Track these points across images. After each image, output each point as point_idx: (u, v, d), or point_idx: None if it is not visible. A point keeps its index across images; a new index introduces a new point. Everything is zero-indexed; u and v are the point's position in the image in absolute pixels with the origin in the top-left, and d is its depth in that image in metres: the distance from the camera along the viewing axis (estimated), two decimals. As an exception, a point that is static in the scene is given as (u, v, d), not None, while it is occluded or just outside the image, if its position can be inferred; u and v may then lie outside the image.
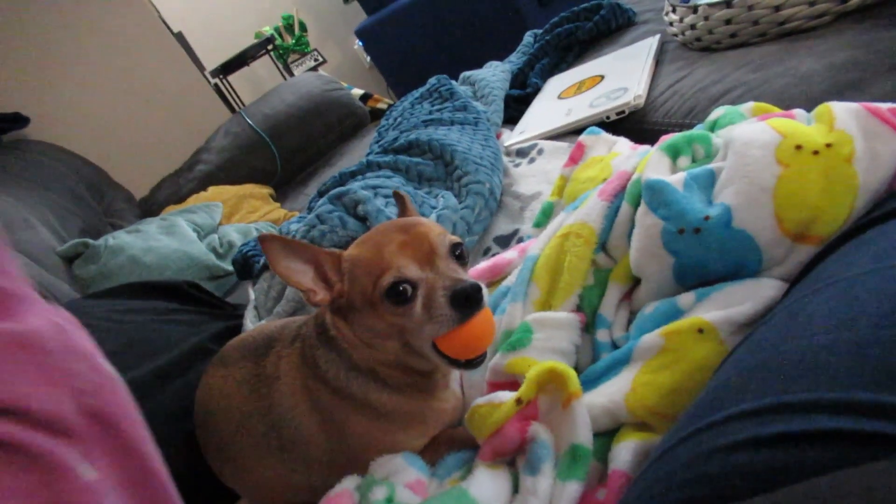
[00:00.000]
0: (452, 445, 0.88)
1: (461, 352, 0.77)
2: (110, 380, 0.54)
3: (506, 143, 1.73)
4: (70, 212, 2.45)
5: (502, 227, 1.39)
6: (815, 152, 0.72)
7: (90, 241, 2.13)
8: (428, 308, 0.76)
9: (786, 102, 1.12)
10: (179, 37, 3.83)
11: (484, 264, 1.17)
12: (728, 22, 1.45)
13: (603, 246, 0.95)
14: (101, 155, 3.10)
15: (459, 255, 0.82)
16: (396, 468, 0.81)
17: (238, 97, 4.24)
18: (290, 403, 0.89)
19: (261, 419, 0.91)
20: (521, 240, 1.29)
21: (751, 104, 0.98)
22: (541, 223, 1.23)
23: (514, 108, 2.02)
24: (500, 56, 2.40)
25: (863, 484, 0.36)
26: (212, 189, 2.85)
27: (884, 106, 0.74)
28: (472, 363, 0.79)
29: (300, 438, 0.89)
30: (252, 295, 1.53)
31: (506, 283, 1.08)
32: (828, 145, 0.72)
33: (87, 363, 0.52)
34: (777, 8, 1.36)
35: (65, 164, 2.78)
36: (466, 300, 0.74)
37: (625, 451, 0.69)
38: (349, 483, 0.82)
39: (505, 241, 1.34)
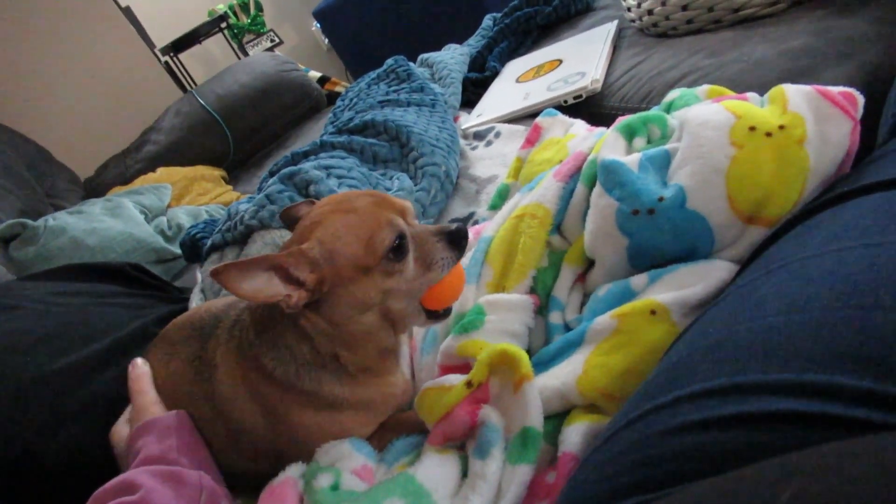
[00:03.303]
0: (401, 430, 0.86)
1: (440, 301, 0.81)
2: None
3: (463, 126, 1.71)
4: (7, 191, 2.33)
5: (458, 210, 1.37)
6: (769, 134, 0.71)
7: (28, 221, 2.02)
8: (423, 258, 0.77)
9: (740, 88, 1.11)
10: (127, 11, 3.70)
11: (438, 246, 1.14)
12: (685, 8, 1.45)
13: (558, 227, 0.94)
14: (43, 132, 2.97)
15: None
16: (342, 454, 0.78)
17: (190, 76, 4.11)
18: (230, 394, 0.85)
19: (206, 403, 0.88)
20: (476, 223, 1.27)
21: (706, 87, 0.97)
22: (496, 206, 1.21)
23: (472, 92, 2.00)
24: (460, 39, 2.38)
25: (811, 465, 0.35)
26: (161, 170, 2.75)
27: (835, 89, 0.74)
28: (448, 312, 0.84)
29: (243, 427, 0.85)
30: (199, 277, 1.48)
31: (460, 265, 1.06)
32: (781, 127, 0.71)
33: None
34: (733, -6, 1.36)
35: (2, 141, 2.64)
36: (463, 239, 0.80)
37: (575, 434, 0.67)
38: (293, 471, 0.79)
39: (460, 225, 1.32)
